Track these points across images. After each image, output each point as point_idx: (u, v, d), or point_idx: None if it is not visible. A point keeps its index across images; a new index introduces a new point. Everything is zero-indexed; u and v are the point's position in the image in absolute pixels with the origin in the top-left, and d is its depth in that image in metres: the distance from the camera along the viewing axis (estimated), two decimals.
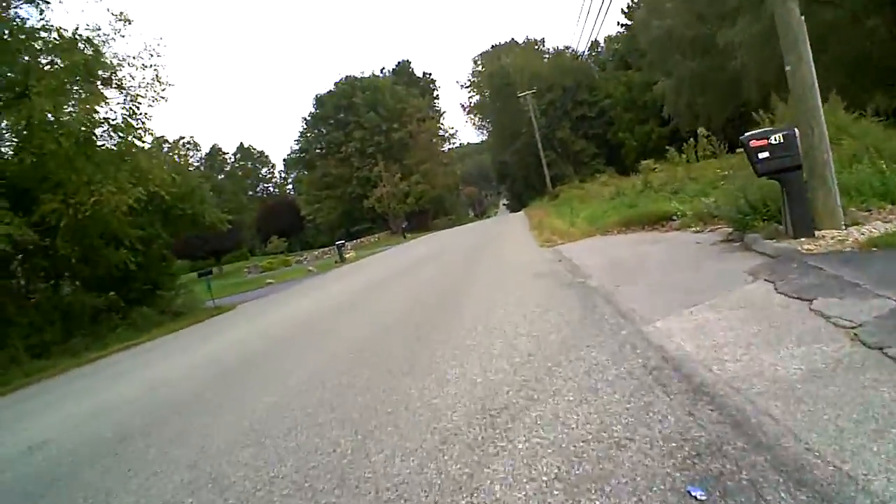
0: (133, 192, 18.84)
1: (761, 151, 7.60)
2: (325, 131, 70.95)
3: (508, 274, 11.82)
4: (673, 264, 8.68)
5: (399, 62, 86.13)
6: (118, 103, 21.52)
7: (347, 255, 41.21)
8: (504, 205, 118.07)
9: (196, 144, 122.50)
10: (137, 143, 22.14)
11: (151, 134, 23.12)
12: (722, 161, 18.33)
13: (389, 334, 8.32)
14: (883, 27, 26.76)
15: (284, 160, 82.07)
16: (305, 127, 73.22)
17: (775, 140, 7.57)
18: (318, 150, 72.06)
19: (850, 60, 27.32)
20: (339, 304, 14.99)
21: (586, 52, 63.24)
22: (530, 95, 59.02)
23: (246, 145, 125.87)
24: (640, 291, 7.12)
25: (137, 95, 21.67)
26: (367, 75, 74.90)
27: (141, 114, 21.87)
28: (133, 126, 21.50)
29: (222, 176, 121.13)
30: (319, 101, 72.74)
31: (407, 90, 75.48)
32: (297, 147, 74.15)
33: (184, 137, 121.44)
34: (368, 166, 68.36)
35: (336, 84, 73.26)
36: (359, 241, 64.06)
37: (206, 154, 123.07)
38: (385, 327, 9.00)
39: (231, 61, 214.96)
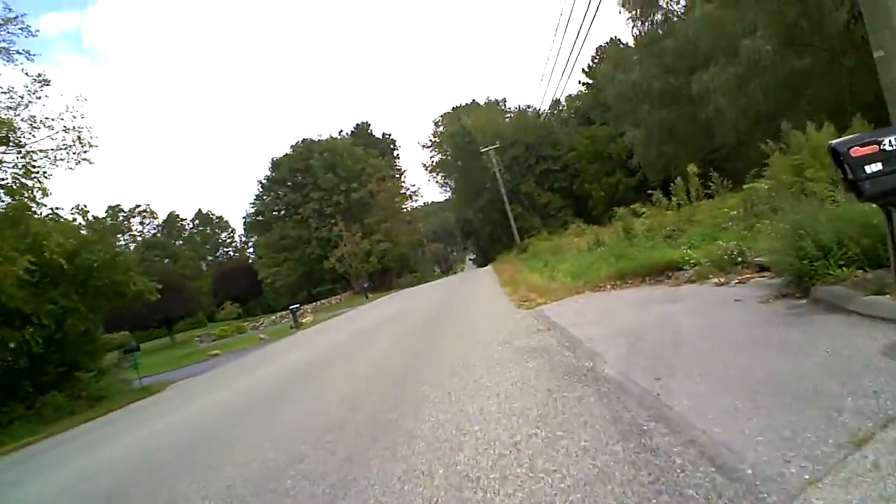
0: (22, 262, 15.64)
1: (869, 163, 4.76)
2: (281, 193, 67.90)
3: (480, 350, 8.71)
4: (722, 337, 5.81)
5: (358, 124, 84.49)
6: (11, 164, 18.81)
7: (304, 320, 38.15)
8: (470, 259, 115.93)
9: (153, 212, 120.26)
10: (33, 205, 19.23)
11: (47, 194, 20.14)
12: (723, 200, 15.68)
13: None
14: None
15: (244, 224, 79.01)
16: (261, 190, 70.20)
17: (890, 145, 4.76)
18: (274, 213, 68.92)
19: None
20: (275, 385, 12.96)
21: (547, 111, 61.36)
22: (493, 151, 56.96)
23: (204, 211, 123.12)
24: (706, 396, 4.19)
25: (31, 153, 19.01)
26: (325, 138, 72.92)
27: (38, 173, 19.12)
28: (26, 186, 18.55)
29: (181, 242, 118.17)
30: (275, 164, 70.32)
31: (366, 151, 73.14)
32: (252, 210, 70.88)
33: (139, 206, 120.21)
34: (328, 227, 65.38)
35: (292, 147, 71.29)
36: (320, 302, 60.90)
37: (163, 221, 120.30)
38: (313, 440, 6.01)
39: (189, 127, 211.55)
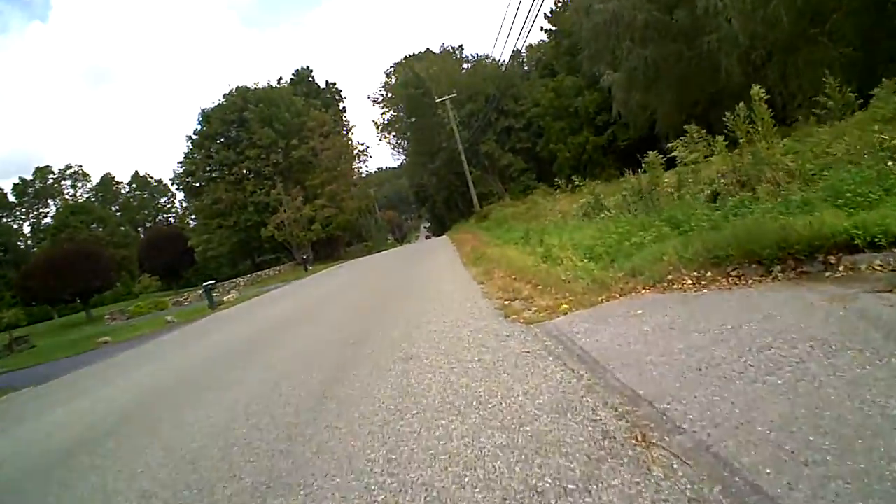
0: None
1: None
2: (213, 151, 60.23)
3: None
4: None
5: (297, 70, 76.36)
6: None
7: (228, 297, 32.02)
8: (425, 227, 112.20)
9: (85, 174, 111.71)
10: None
11: None
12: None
13: None
14: None
15: (172, 185, 71.35)
16: (191, 146, 62.30)
17: None
18: (206, 173, 61.19)
19: None
20: (101, 423, 8.28)
21: (506, 63, 55.13)
22: (449, 102, 50.66)
23: (142, 173, 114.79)
24: None
25: None
26: (262, 86, 65.00)
27: None
28: None
29: (116, 207, 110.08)
30: (206, 116, 62.07)
31: (307, 101, 65.69)
32: (181, 170, 62.96)
33: (70, 167, 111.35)
34: (266, 189, 58.18)
35: (224, 96, 63.05)
36: (257, 274, 54.21)
37: (97, 184, 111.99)
38: None
39: (126, 81, 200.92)
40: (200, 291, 46.39)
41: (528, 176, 57.98)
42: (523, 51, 59.61)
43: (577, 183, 20.00)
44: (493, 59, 61.87)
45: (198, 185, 62.55)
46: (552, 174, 52.46)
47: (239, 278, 51.76)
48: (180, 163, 62.67)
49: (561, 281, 8.52)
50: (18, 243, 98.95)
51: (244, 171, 59.69)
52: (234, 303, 29.87)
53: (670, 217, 9.42)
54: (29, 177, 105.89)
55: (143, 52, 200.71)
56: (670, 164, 14.59)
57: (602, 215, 14.56)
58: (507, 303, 8.57)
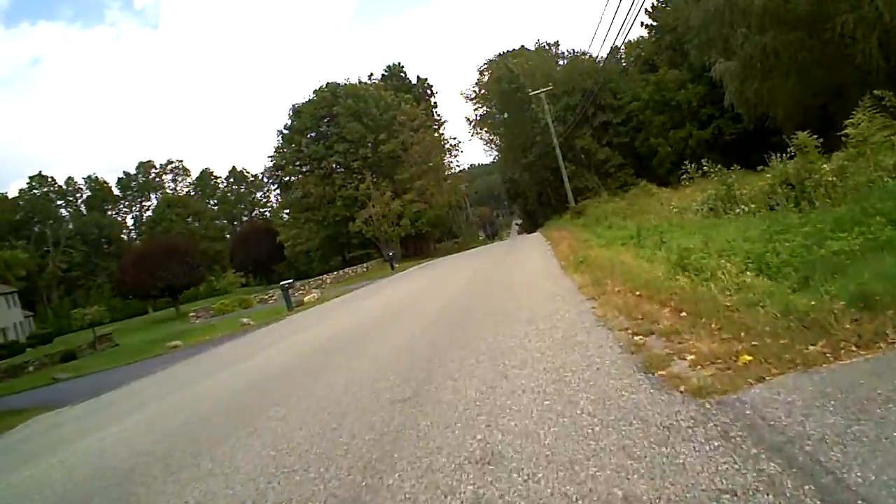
0: None
1: None
2: (303, 145, 59.91)
3: None
4: None
5: (389, 66, 75.04)
6: None
7: (308, 297, 30.85)
8: (517, 224, 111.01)
9: (185, 169, 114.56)
10: None
11: None
12: None
13: None
14: None
15: (264, 179, 71.66)
16: (281, 141, 62.55)
17: None
18: (296, 167, 60.79)
19: None
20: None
21: (604, 59, 52.37)
22: (544, 95, 48.28)
23: (239, 168, 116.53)
24: None
25: None
26: (352, 82, 64.29)
27: None
28: None
29: (213, 201, 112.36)
30: (296, 111, 61.96)
31: (398, 96, 64.47)
32: (271, 164, 62.93)
33: (171, 162, 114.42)
34: (354, 184, 57.38)
35: (315, 92, 62.56)
36: (345, 271, 53.30)
37: (196, 178, 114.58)
38: None
39: (224, 82, 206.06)
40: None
41: (626, 171, 54.91)
42: (621, 48, 56.41)
43: (690, 175, 17.69)
44: (590, 55, 58.54)
45: (287, 179, 62.47)
46: (651, 170, 50.88)
47: (326, 275, 50.98)
48: (270, 157, 62.99)
49: (723, 307, 5.69)
50: (122, 236, 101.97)
51: (333, 166, 59.07)
52: (313, 304, 28.68)
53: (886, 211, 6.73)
54: (132, 171, 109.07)
55: (243, 51, 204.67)
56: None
57: (737, 210, 12.34)
58: (640, 340, 5.76)
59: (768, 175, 12.95)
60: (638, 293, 7.92)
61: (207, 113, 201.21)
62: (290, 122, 61.53)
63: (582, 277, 11.08)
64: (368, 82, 66.34)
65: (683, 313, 6.15)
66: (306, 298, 30.95)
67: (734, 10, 29.68)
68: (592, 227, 25.77)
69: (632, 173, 54.27)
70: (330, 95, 59.98)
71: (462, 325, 9.53)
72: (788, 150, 13.01)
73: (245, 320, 25.80)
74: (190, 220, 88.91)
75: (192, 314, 44.04)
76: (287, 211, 65.18)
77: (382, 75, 74.09)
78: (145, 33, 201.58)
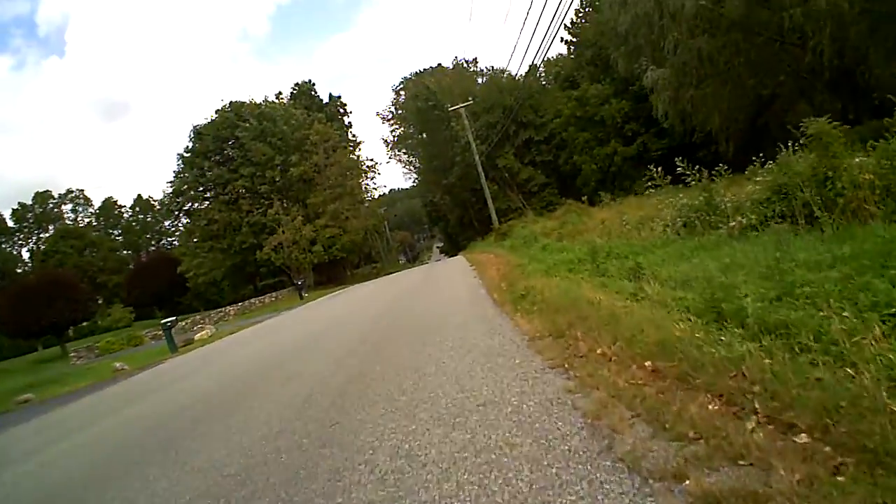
0: None
1: None
2: (205, 168, 55.22)
3: None
4: None
5: (297, 84, 71.10)
6: None
7: (200, 335, 27.03)
8: (437, 248, 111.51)
9: (87, 199, 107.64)
10: None
11: None
12: None
13: None
14: None
15: (161, 206, 66.61)
16: (182, 165, 57.41)
17: None
18: (198, 192, 56.15)
19: None
20: None
21: (524, 76, 50.62)
22: (463, 110, 45.58)
23: (145, 196, 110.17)
24: None
25: None
26: (259, 101, 60.34)
27: None
28: None
29: (117, 231, 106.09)
30: (197, 133, 57.11)
31: (308, 115, 60.62)
32: (170, 190, 57.85)
33: (71, 191, 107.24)
34: (262, 209, 52.97)
35: (217, 112, 57.90)
36: (250, 301, 49.10)
37: (99, 207, 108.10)
38: None
39: (131, 106, 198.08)
40: (183, 323, 41.27)
41: (550, 191, 53.21)
42: (541, 66, 54.29)
43: (655, 183, 14.93)
44: (510, 73, 56.82)
45: (189, 205, 57.67)
46: (576, 189, 48.68)
47: (231, 306, 46.50)
48: (170, 182, 57.72)
49: None
50: (17, 270, 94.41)
51: (240, 190, 54.43)
52: (204, 341, 24.85)
53: None
54: (29, 202, 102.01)
55: (149, 76, 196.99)
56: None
57: (722, 228, 9.48)
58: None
59: (759, 178, 10.08)
60: (652, 368, 4.54)
61: (111, 139, 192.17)
62: (190, 144, 56.68)
63: (530, 322, 7.77)
64: (276, 101, 62.03)
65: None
66: (198, 336, 26.93)
67: (664, 14, 27.54)
68: (521, 249, 22.69)
69: (556, 193, 52.59)
70: (233, 115, 55.70)
71: (346, 411, 6.07)
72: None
73: (118, 365, 21.58)
74: (87, 251, 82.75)
75: (72, 354, 38.81)
76: (181, 240, 60.14)
77: (291, 93, 70.35)
78: (49, 61, 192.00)
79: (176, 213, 60.79)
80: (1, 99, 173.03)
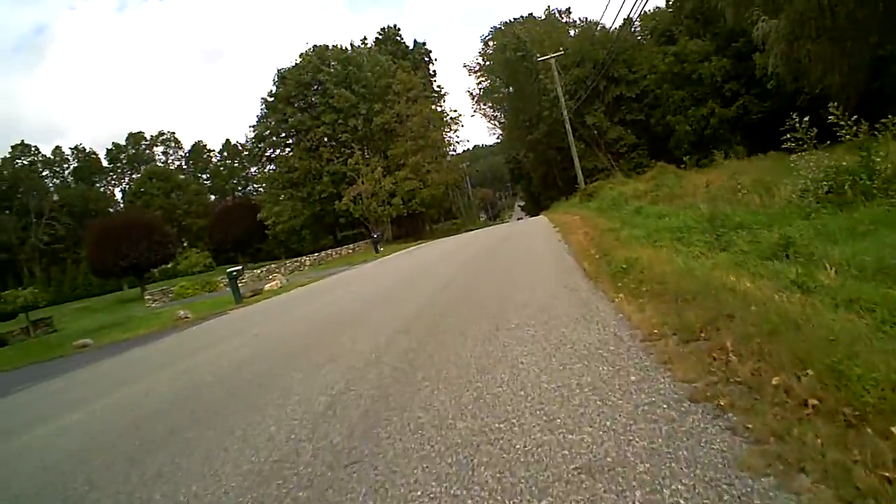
0: None
1: None
2: (287, 114, 54.46)
3: None
4: None
5: (383, 28, 69.81)
6: None
7: (270, 285, 26.39)
8: (519, 206, 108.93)
9: (177, 141, 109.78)
10: None
11: None
12: None
13: None
14: None
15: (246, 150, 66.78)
16: (265, 110, 56.82)
17: None
18: (281, 138, 56.04)
19: None
20: None
21: (618, 29, 47.80)
22: (553, 61, 43.20)
23: (233, 141, 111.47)
24: None
25: None
26: (344, 46, 58.65)
27: None
28: None
29: (206, 175, 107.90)
30: (281, 77, 56.07)
31: (393, 62, 59.23)
32: (252, 135, 58.04)
33: (163, 133, 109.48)
34: (343, 158, 52.42)
35: (300, 56, 56.65)
36: (326, 252, 48.37)
37: (189, 151, 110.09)
38: None
39: (218, 51, 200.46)
40: (258, 271, 41.12)
41: (640, 152, 51.02)
42: (636, 20, 51.42)
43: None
44: (603, 26, 53.95)
45: (270, 151, 57.55)
46: (667, 151, 46.41)
47: (307, 257, 45.97)
48: (252, 126, 57.93)
49: None
50: (110, 209, 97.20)
51: (321, 138, 53.74)
52: (271, 293, 24.14)
53: None
54: (122, 143, 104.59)
55: (241, 23, 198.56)
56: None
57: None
58: None
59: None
60: None
61: (201, 83, 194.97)
62: (274, 89, 56.32)
63: (640, 310, 5.86)
64: (361, 46, 60.72)
65: None
66: (267, 286, 26.33)
67: None
68: (610, 212, 20.85)
69: (646, 154, 50.36)
70: (317, 60, 54.97)
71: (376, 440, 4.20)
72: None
73: (182, 313, 21.16)
74: (174, 193, 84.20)
75: (147, 296, 39.33)
76: (272, 186, 60.03)
77: (376, 39, 69.37)
78: (148, 3, 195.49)
79: (259, 158, 60.64)
80: (100, 41, 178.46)
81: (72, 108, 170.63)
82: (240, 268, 24.11)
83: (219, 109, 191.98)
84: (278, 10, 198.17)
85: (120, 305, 43.59)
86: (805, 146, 11.28)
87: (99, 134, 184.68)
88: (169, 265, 57.23)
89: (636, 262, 7.77)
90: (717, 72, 43.83)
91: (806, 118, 11.53)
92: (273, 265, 43.84)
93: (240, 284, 23.74)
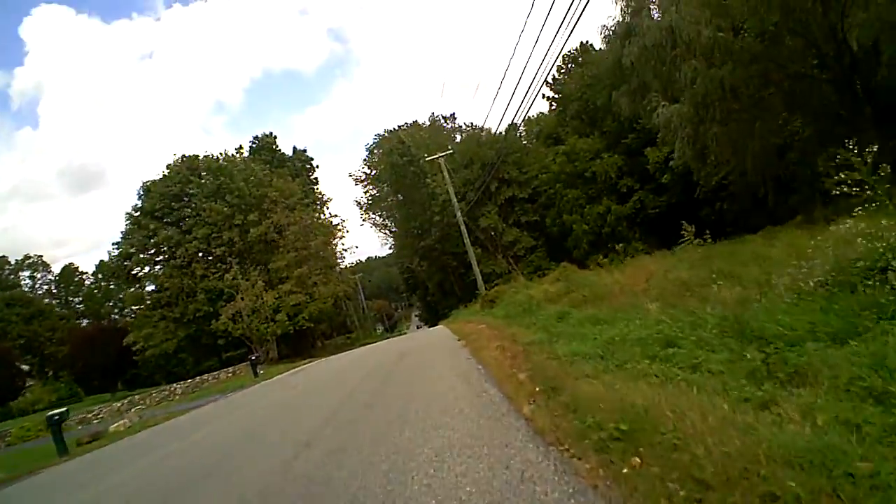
0: None
1: None
2: (152, 229, 49.59)
3: None
4: None
5: (256, 137, 66.43)
6: None
7: (116, 425, 22.07)
8: (416, 315, 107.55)
9: (45, 264, 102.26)
10: None
11: None
12: None
13: None
14: None
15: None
16: (130, 225, 51.22)
17: None
18: (149, 255, 50.31)
19: None
20: None
21: (503, 133, 46.26)
22: (443, 160, 41.03)
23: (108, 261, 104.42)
24: None
25: None
26: (216, 155, 54.13)
27: None
28: None
29: (79, 298, 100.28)
30: (146, 189, 51.20)
31: (270, 171, 55.68)
32: (116, 252, 51.95)
33: (29, 257, 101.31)
34: (219, 273, 47.62)
35: (168, 167, 52.21)
36: (203, 377, 41.83)
37: (58, 274, 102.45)
38: None
39: (100, 171, 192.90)
40: (118, 404, 35.38)
41: (539, 254, 49.38)
42: (521, 125, 50.62)
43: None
44: (489, 130, 52.83)
45: (138, 270, 51.82)
46: (566, 251, 45.06)
47: (177, 384, 39.91)
48: (116, 244, 51.90)
49: None
50: None
51: (193, 253, 48.97)
52: (115, 436, 19.30)
53: None
54: None
55: (121, 147, 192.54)
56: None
57: None
58: None
59: None
60: None
61: (81, 208, 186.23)
62: (139, 203, 50.77)
63: None
64: (235, 155, 56.48)
65: None
66: (112, 427, 21.41)
67: (677, 44, 23.46)
68: (521, 318, 17.44)
69: (545, 256, 48.84)
70: (186, 171, 50.52)
71: None
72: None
73: None
74: (34, 320, 76.51)
75: None
76: (140, 308, 54.06)
77: (251, 148, 66.00)
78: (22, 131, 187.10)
79: (125, 278, 54.74)
80: None
81: None
82: (63, 410, 18.54)
83: (92, 228, 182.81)
84: (157, 135, 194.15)
85: None
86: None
87: None
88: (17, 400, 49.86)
89: (646, 421, 4.10)
90: (611, 168, 43.24)
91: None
92: (136, 397, 37.78)
93: (94, 422, 18.74)
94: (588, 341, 8.69)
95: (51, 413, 17.89)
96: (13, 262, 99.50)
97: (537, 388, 6.49)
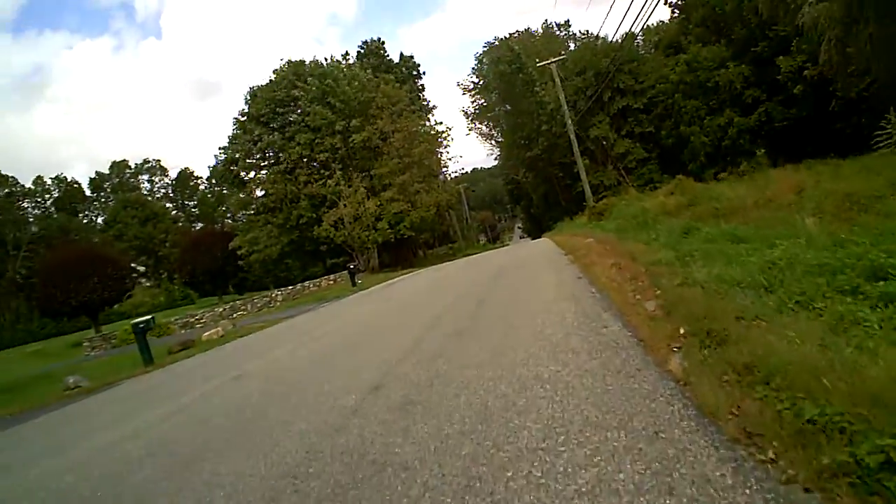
0: None
1: None
2: (257, 134, 49.34)
3: None
4: None
5: (364, 42, 65.26)
6: None
7: (209, 334, 21.87)
8: (519, 228, 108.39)
9: (163, 168, 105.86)
10: None
11: None
12: None
13: None
14: None
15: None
16: (236, 130, 51.19)
17: None
18: (254, 160, 51.34)
19: None
20: None
21: (620, 40, 43.03)
22: (555, 66, 38.83)
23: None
24: None
25: None
26: (322, 61, 52.83)
27: None
28: None
29: (194, 202, 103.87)
30: (252, 94, 50.66)
31: (376, 76, 53.81)
32: (222, 157, 53.01)
33: (148, 161, 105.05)
34: (322, 180, 47.28)
35: (274, 72, 51.09)
36: (304, 285, 42.40)
37: (175, 178, 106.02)
38: None
39: (207, 76, 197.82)
40: (221, 308, 35.90)
41: (651, 167, 46.50)
42: (639, 34, 47.39)
43: None
44: (604, 38, 48.91)
45: (242, 175, 52.90)
46: (680, 165, 42.25)
47: (278, 291, 40.16)
48: (222, 149, 52.71)
49: None
50: (94, 239, 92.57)
51: (297, 158, 48.53)
52: (206, 345, 19.36)
53: None
54: (105, 171, 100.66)
55: (238, 58, 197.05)
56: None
57: None
58: None
59: None
60: None
61: (190, 110, 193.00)
62: (245, 107, 51.10)
63: None
64: (341, 61, 55.35)
65: None
66: (206, 335, 21.18)
67: None
68: (636, 233, 15.73)
69: (657, 169, 46.08)
70: (292, 75, 49.65)
71: None
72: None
73: (72, 380, 15.66)
74: (149, 222, 79.25)
75: (86, 344, 33.72)
76: (245, 212, 54.91)
77: (358, 53, 64.57)
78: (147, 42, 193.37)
79: (231, 182, 55.46)
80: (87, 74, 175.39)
81: (57, 140, 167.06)
82: (149, 318, 18.07)
83: (209, 135, 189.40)
84: (273, 47, 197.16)
85: (66, 351, 37.97)
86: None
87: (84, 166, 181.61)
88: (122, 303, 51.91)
89: None
90: (736, 78, 39.66)
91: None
92: (239, 302, 38.24)
93: (197, 326, 18.55)
94: (736, 264, 7.00)
95: (136, 321, 17.59)
96: (133, 165, 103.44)
97: (681, 330, 4.96)
